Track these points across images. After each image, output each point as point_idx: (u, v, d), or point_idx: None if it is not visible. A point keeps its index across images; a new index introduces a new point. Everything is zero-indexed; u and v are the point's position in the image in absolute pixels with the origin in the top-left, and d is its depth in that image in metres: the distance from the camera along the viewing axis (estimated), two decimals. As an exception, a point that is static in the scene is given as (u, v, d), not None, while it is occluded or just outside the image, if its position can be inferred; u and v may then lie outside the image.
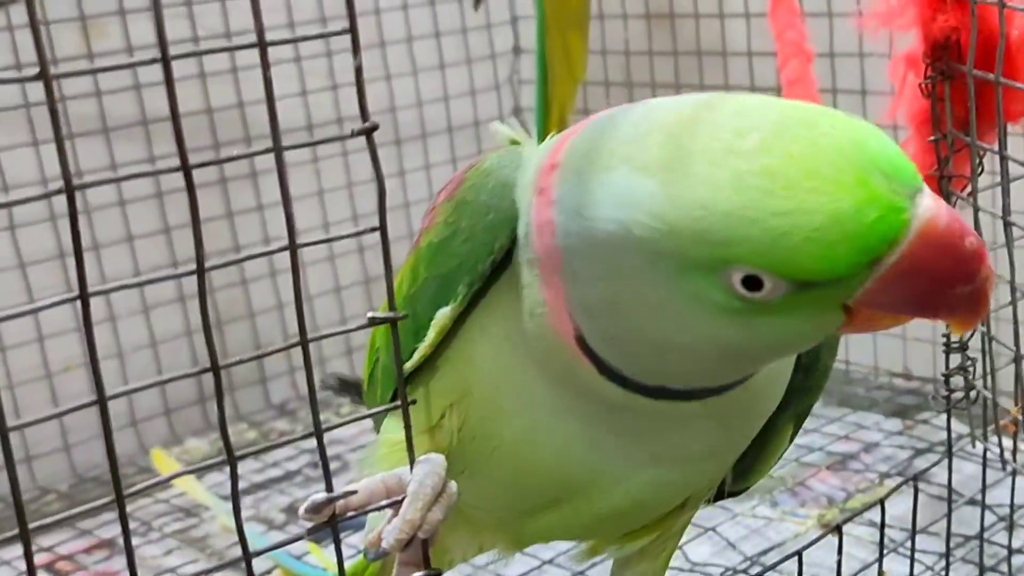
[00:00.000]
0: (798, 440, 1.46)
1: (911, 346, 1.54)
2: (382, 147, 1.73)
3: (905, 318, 0.55)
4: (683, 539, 1.25)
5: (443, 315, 0.64)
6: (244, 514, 1.37)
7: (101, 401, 0.50)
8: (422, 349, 0.65)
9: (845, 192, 0.49)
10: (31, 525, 0.50)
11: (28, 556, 0.50)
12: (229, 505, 1.28)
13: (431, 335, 0.65)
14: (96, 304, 1.51)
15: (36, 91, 1.44)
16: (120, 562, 1.32)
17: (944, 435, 1.00)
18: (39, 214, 1.47)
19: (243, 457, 0.56)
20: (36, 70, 0.45)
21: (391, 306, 0.59)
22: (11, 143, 1.45)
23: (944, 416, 0.94)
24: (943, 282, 0.52)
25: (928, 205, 0.51)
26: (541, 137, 1.89)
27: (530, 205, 0.60)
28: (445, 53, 1.79)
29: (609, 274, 0.56)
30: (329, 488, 0.58)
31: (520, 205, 0.62)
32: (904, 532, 1.20)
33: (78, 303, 0.48)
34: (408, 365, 0.66)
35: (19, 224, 1.47)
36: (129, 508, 1.41)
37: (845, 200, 0.49)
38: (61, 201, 0.46)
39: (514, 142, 0.67)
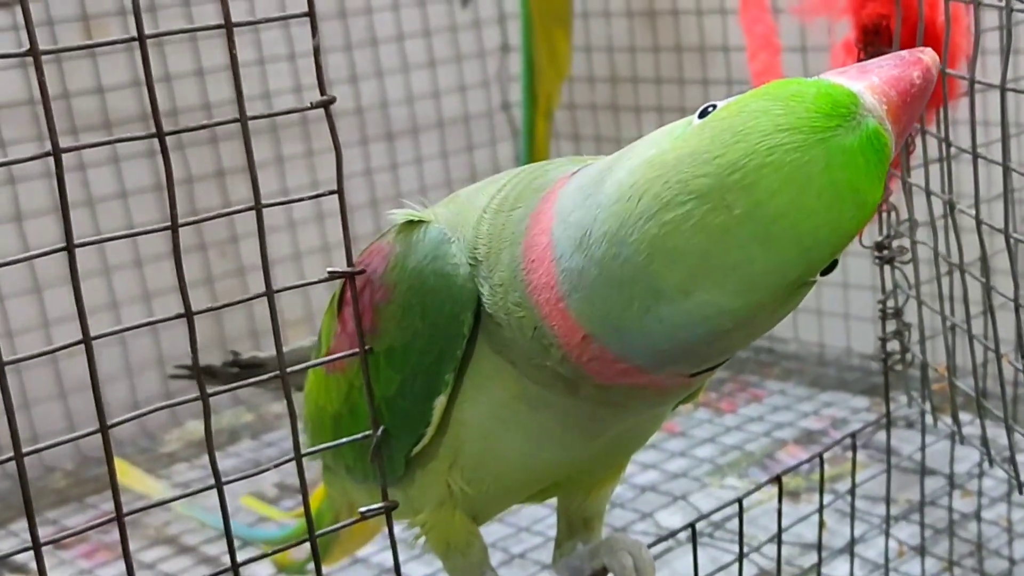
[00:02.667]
0: (771, 417, 1.53)
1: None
2: (375, 142, 1.82)
3: None
4: (655, 506, 1.32)
5: (441, 403, 0.68)
6: (241, 487, 1.45)
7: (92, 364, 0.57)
8: (429, 434, 0.70)
9: (845, 167, 0.53)
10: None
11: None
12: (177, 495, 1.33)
13: (435, 420, 0.69)
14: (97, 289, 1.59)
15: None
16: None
17: (912, 411, 1.07)
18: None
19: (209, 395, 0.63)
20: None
21: (349, 262, 0.65)
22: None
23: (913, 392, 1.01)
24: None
25: (872, 103, 0.54)
26: (528, 131, 1.93)
27: (519, 267, 0.62)
28: (435, 51, 1.85)
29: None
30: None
31: (480, 277, 0.64)
32: (867, 500, 1.27)
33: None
34: (417, 449, 0.71)
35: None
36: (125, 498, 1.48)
37: (849, 171, 0.53)
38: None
39: (411, 220, 0.68)
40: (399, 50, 1.82)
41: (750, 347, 1.72)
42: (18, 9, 1.49)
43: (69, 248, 0.56)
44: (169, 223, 0.58)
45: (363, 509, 0.68)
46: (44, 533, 1.35)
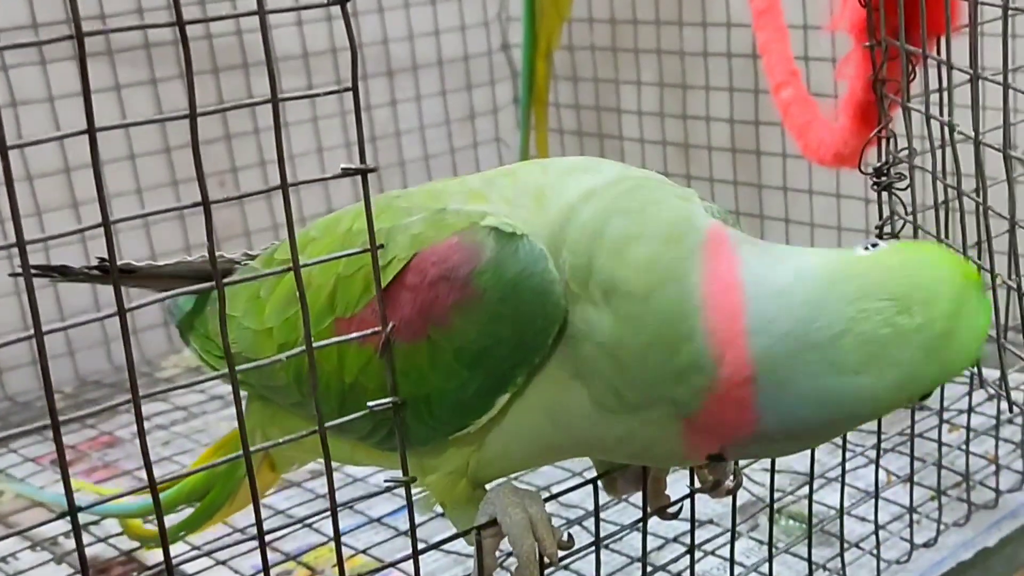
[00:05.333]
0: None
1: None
2: (374, 78, 1.82)
3: None
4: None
5: (503, 400, 0.72)
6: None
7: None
8: (480, 423, 0.73)
9: (985, 315, 0.66)
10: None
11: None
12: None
13: (493, 413, 0.72)
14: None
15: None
16: (120, 452, 1.41)
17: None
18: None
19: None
20: None
21: (362, 159, 0.66)
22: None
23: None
24: None
25: None
26: (528, 71, 1.93)
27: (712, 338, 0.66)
28: (437, -11, 1.86)
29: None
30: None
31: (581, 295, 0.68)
32: (857, 432, 1.29)
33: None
34: (460, 434, 0.74)
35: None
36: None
37: (984, 320, 0.66)
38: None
39: (502, 228, 0.71)
40: (401, -13, 1.83)
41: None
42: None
43: (91, 132, 0.57)
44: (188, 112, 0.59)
45: (372, 404, 0.70)
46: (44, 450, 1.38)
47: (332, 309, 0.77)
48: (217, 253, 0.93)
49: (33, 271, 0.87)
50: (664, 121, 1.84)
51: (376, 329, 0.69)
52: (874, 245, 0.67)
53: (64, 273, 0.92)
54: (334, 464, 0.91)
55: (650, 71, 1.84)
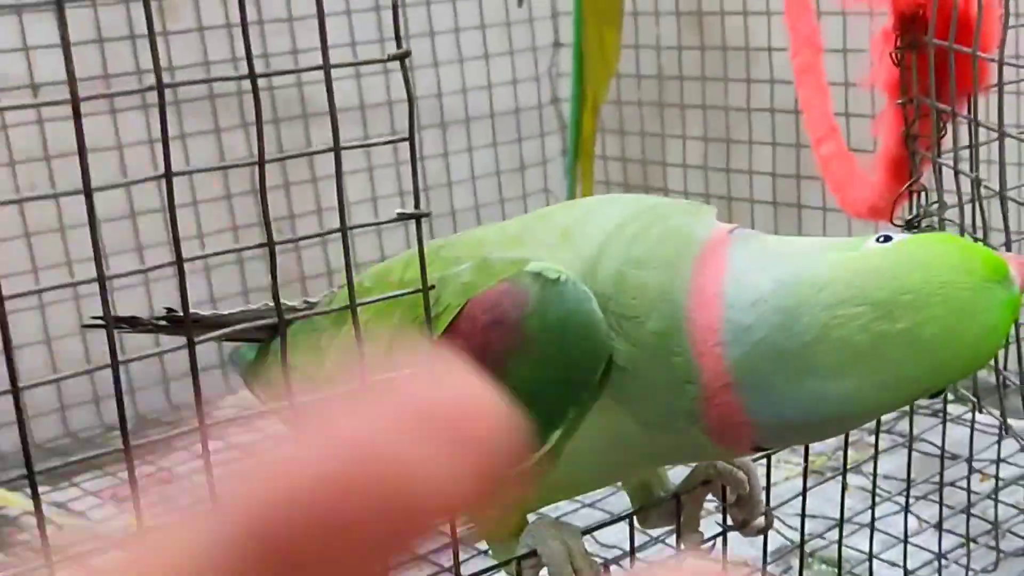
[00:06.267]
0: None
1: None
2: (428, 129, 1.88)
3: None
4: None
5: (557, 435, 0.74)
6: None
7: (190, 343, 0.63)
8: (534, 459, 0.74)
9: (996, 316, 0.65)
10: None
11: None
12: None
13: (547, 448, 0.74)
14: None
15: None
16: (176, 488, 1.45)
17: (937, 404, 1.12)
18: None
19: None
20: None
21: (416, 203, 0.71)
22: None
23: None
24: None
25: (1014, 274, 0.66)
26: (576, 125, 1.98)
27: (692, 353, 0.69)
28: (489, 44, 1.92)
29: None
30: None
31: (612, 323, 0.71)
32: (888, 480, 1.32)
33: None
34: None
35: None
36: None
37: (997, 320, 0.65)
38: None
39: (543, 271, 0.73)
40: (455, 42, 1.89)
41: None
42: None
43: (168, 176, 0.62)
44: (256, 159, 0.64)
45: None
46: (105, 484, 1.43)
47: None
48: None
49: (100, 322, 0.92)
50: (708, 174, 1.88)
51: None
52: (887, 238, 0.67)
53: (132, 324, 0.95)
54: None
55: (695, 126, 1.88)
